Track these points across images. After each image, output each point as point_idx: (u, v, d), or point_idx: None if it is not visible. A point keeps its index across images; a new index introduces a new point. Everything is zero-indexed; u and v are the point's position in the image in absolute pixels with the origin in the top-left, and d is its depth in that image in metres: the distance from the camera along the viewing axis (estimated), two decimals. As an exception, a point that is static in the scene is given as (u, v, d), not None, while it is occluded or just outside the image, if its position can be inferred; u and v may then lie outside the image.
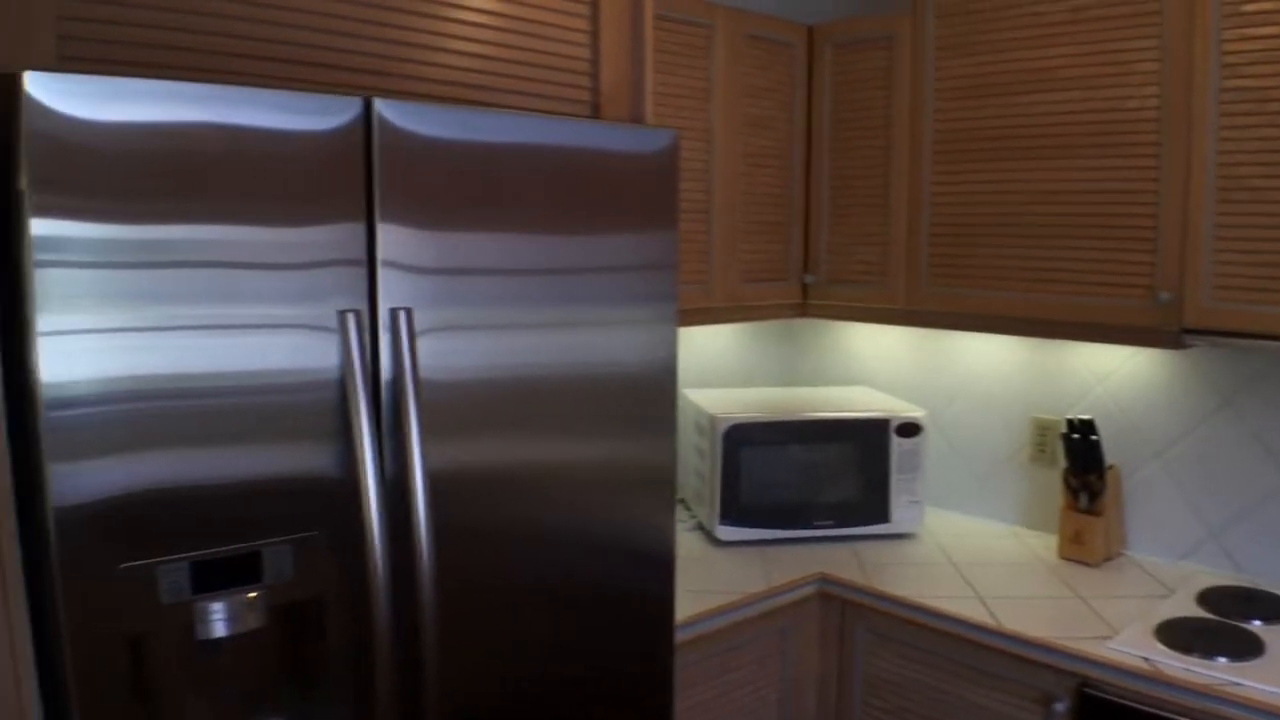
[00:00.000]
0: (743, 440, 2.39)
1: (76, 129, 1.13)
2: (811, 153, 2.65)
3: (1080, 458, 2.33)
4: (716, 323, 2.48)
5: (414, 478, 1.39)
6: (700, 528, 2.57)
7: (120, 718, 1.23)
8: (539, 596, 1.60)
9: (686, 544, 2.45)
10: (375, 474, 1.34)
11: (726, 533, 2.43)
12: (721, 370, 2.93)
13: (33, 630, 1.22)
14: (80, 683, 1.19)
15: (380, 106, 1.36)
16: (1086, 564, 2.32)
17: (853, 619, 2.23)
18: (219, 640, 1.30)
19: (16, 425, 1.19)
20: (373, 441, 1.34)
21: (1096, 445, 2.31)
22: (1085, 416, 2.35)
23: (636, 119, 1.82)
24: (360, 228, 1.35)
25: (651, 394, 1.69)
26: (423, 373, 1.43)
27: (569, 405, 1.59)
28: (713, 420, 2.40)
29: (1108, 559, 2.34)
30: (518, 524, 1.56)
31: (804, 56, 2.60)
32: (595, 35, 1.76)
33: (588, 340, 1.60)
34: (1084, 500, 2.32)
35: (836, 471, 2.46)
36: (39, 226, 1.11)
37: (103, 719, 1.22)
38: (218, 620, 1.29)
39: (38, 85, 1.10)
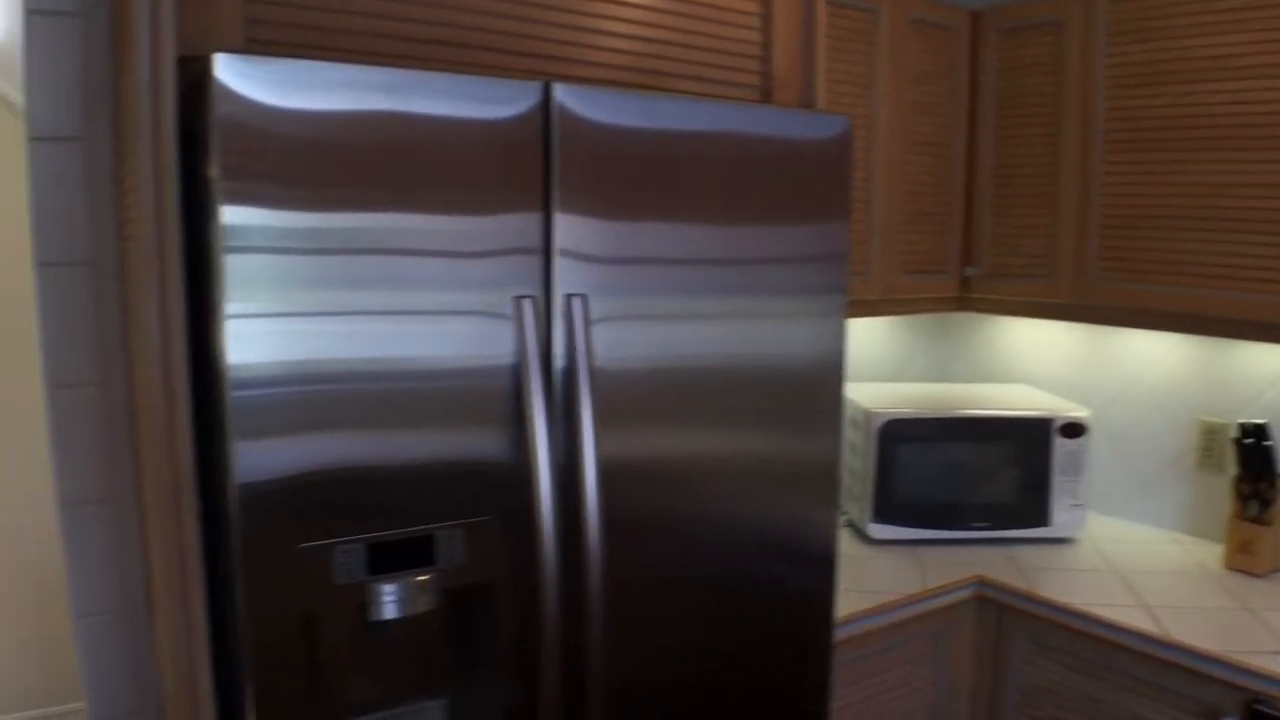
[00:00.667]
0: (899, 436, 2.32)
1: (263, 115, 1.15)
2: (974, 141, 2.55)
3: (1253, 464, 2.19)
4: (873, 315, 2.41)
5: (585, 465, 1.38)
6: (852, 525, 2.51)
7: (291, 694, 1.26)
8: (700, 589, 1.57)
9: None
10: (548, 460, 1.33)
11: (879, 531, 2.37)
12: (875, 364, 2.86)
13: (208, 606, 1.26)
14: (255, 659, 1.23)
15: (559, 92, 1.35)
16: (1253, 574, 2.18)
17: (1010, 625, 2.14)
18: (388, 621, 1.31)
19: (198, 406, 1.23)
20: (546, 428, 1.34)
21: (1270, 451, 2.17)
22: (1259, 421, 2.20)
23: (807, 104, 1.77)
24: (537, 216, 1.34)
25: (818, 388, 1.65)
26: (594, 360, 1.41)
27: (736, 397, 1.56)
28: (868, 415, 2.33)
29: (1275, 570, 2.19)
30: (681, 515, 1.54)
31: (968, 42, 2.50)
32: (767, 18, 1.71)
33: (756, 332, 1.57)
34: (1254, 508, 2.18)
35: (994, 472, 2.37)
36: (229, 214, 1.14)
37: (275, 695, 1.25)
38: (390, 602, 1.30)
39: (227, 69, 1.12)
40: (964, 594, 2.16)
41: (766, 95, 1.73)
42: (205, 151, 1.16)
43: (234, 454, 1.18)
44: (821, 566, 1.70)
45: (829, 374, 1.66)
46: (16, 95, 2.88)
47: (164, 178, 1.18)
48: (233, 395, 1.17)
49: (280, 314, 1.19)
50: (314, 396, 1.22)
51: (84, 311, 1.74)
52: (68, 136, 1.68)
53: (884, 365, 2.88)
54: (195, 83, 1.17)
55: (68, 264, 1.71)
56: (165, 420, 1.21)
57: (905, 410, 2.34)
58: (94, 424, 1.76)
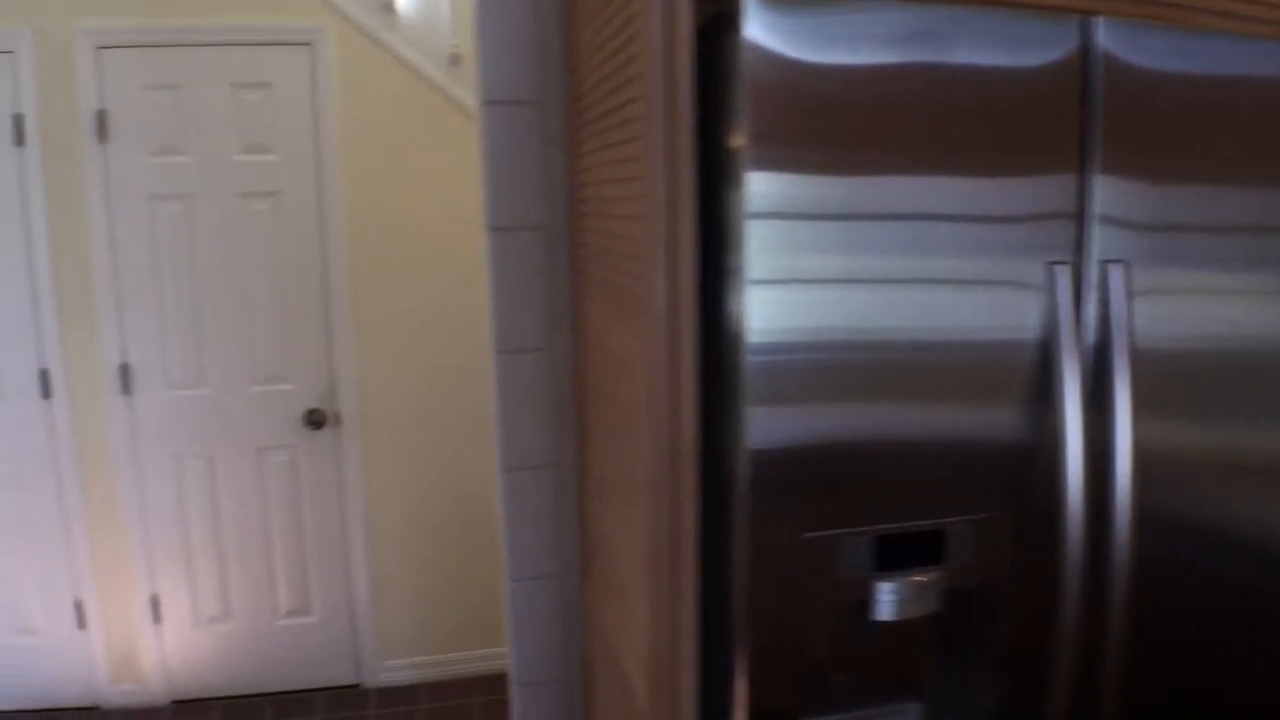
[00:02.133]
0: None
1: (795, 72, 1.04)
2: None
3: None
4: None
5: (1118, 455, 1.20)
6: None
7: (777, 683, 1.18)
8: (1236, 599, 1.35)
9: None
10: (1080, 448, 1.16)
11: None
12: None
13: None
14: (748, 643, 1.15)
15: (1101, 31, 1.15)
16: None
17: None
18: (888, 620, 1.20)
19: (709, 373, 1.16)
20: (1079, 411, 1.16)
21: None
22: None
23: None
24: (1072, 176, 1.16)
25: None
26: (1134, 336, 1.22)
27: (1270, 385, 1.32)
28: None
29: None
30: (1219, 516, 1.32)
31: None
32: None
33: None
34: None
35: None
36: (755, 181, 1.05)
37: (765, 685, 1.17)
38: (892, 601, 1.19)
39: (757, 21, 1.01)
40: None
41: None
42: (729, 115, 1.07)
43: (747, 420, 1.10)
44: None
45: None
46: (473, 101, 3.02)
47: (678, 142, 1.10)
48: (751, 361, 1.09)
49: (799, 280, 1.09)
50: (829, 365, 1.12)
51: (534, 277, 1.74)
52: (521, 100, 1.67)
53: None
54: (714, 39, 1.07)
55: (519, 228, 1.71)
56: (667, 389, 1.15)
57: None
58: (540, 389, 1.76)
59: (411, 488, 3.19)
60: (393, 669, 3.29)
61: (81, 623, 3.14)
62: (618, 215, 1.31)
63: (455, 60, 2.99)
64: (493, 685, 3.24)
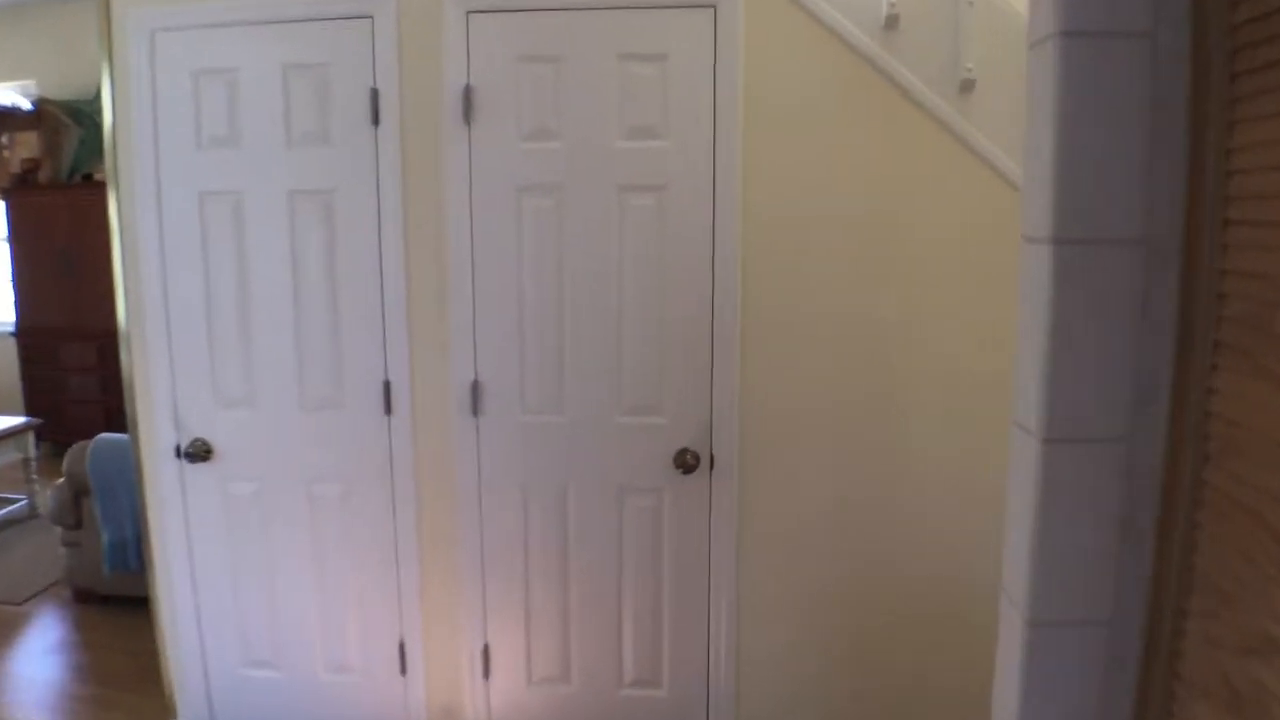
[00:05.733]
0: None
1: None
2: None
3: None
4: None
5: None
6: None
7: None
8: None
9: None
10: None
11: None
12: None
13: None
14: None
15: None
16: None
17: None
18: None
19: None
20: None
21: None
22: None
23: None
24: None
25: None
26: None
27: None
28: None
29: None
30: None
31: None
32: None
33: None
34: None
35: None
36: None
37: None
38: None
39: None
40: None
41: None
42: None
43: None
44: None
45: None
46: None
47: None
48: None
49: None
50: None
51: (1119, 320, 1.13)
52: (1119, 31, 1.06)
53: None
54: None
55: (1101, 242, 1.12)
56: None
57: None
58: (1107, 502, 1.14)
59: (794, 552, 2.61)
60: (747, 759, 2.74)
61: (404, 667, 2.77)
62: None
63: (892, 23, 2.37)
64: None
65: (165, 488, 2.76)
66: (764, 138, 2.43)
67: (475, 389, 2.59)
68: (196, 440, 2.72)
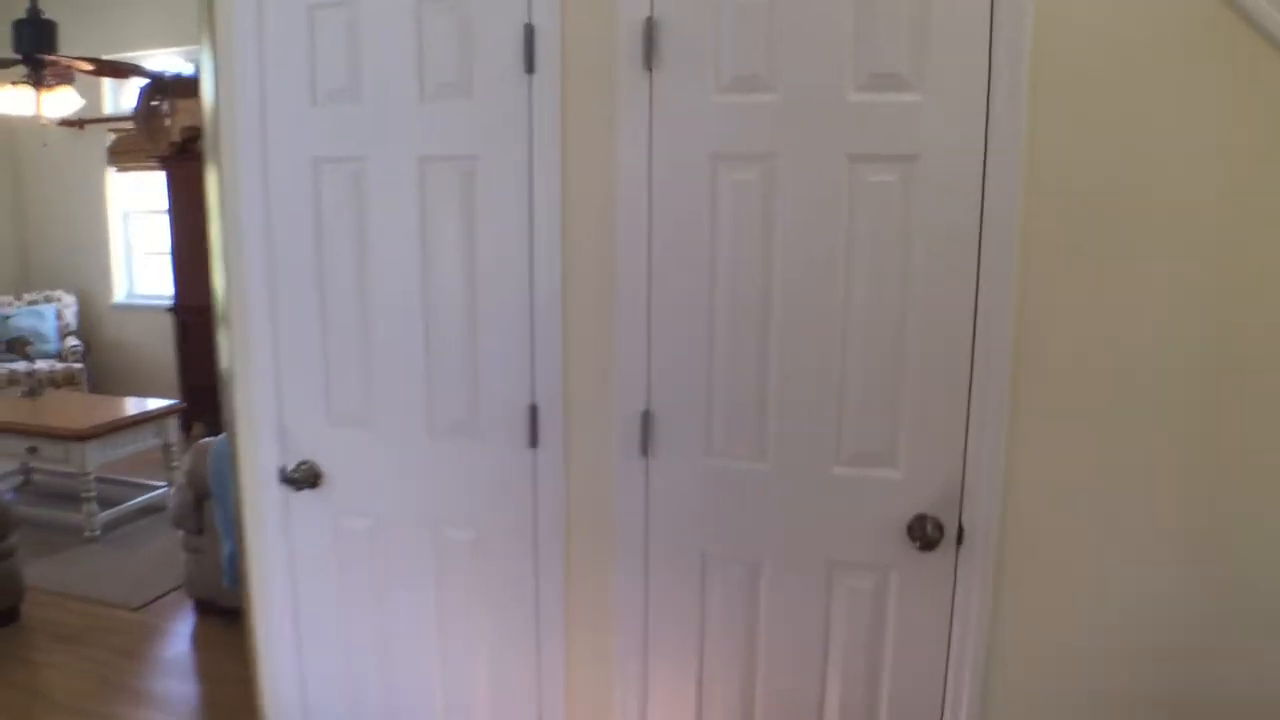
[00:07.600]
0: None
1: None
2: None
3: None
4: None
5: None
6: None
7: None
8: None
9: None
10: None
11: None
12: None
13: None
14: None
15: None
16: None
17: None
18: None
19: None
20: None
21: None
22: None
23: None
24: None
25: None
26: None
27: None
28: None
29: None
30: None
31: None
32: None
33: None
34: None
35: None
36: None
37: None
38: None
39: None
40: None
41: None
42: None
43: None
44: None
45: None
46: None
47: None
48: None
49: None
50: None
51: None
52: None
53: None
54: None
55: None
56: None
57: None
58: None
59: (1073, 673, 1.89)
60: None
61: (542, 755, 2.20)
62: None
63: (1272, -76, 1.60)
64: None
65: (266, 509, 2.28)
66: (1062, 92, 1.71)
67: (646, 421, 1.97)
68: (304, 464, 2.21)
